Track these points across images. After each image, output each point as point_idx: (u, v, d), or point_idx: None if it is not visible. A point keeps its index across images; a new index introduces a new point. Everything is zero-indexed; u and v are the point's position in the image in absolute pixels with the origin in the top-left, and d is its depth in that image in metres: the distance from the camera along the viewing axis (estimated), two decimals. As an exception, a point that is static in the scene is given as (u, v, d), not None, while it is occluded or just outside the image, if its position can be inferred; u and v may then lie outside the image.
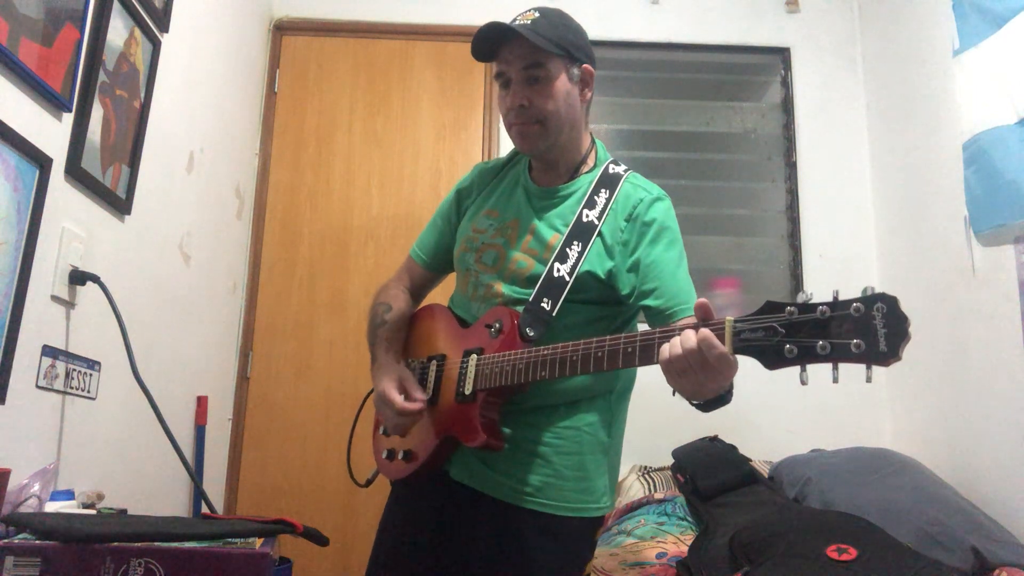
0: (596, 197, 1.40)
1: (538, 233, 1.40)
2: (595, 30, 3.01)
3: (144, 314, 1.91)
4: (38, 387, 1.47)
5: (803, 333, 0.94)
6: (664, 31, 3.03)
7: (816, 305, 0.93)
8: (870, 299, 0.90)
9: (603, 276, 1.35)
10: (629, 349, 1.13)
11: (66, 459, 1.56)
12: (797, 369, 0.98)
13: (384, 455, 1.47)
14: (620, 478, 2.54)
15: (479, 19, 3.10)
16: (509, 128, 1.43)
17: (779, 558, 1.58)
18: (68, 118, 1.56)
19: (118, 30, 1.74)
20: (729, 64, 3.13)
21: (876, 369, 0.93)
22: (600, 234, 1.37)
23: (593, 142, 1.51)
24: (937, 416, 2.42)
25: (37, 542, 1.06)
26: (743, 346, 1.01)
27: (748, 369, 3.09)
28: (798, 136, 2.96)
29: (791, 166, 2.95)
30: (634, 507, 2.28)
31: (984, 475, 2.15)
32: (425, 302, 1.62)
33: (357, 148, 2.92)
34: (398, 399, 1.37)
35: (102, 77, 1.66)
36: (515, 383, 1.27)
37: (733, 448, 2.33)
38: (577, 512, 1.34)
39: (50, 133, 1.49)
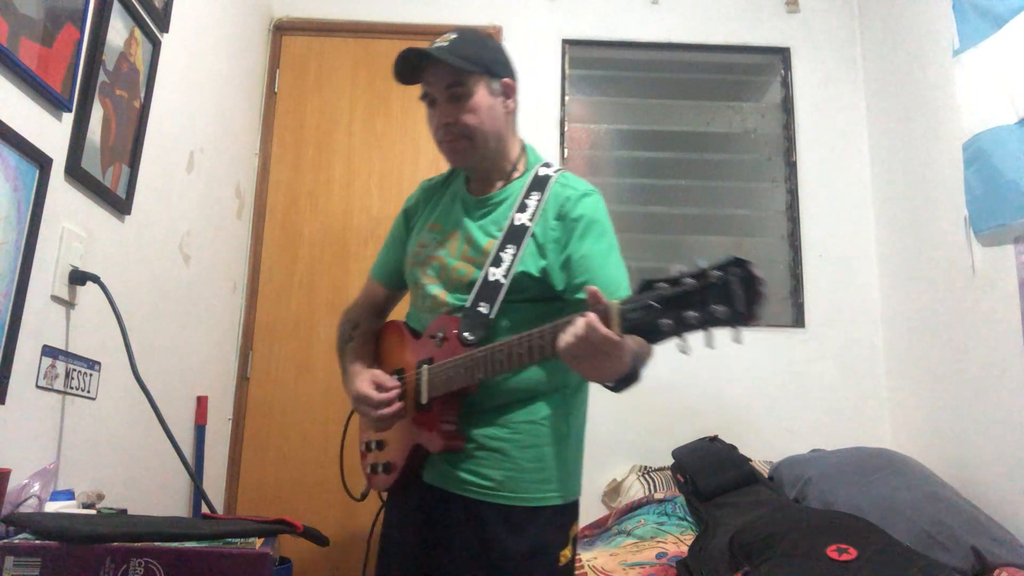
0: (528, 200, 1.47)
1: (474, 241, 1.47)
2: (595, 30, 3.05)
3: (144, 314, 1.91)
4: (38, 387, 1.47)
5: (676, 306, 0.99)
6: (664, 31, 3.03)
7: (682, 278, 0.99)
8: (726, 264, 0.96)
9: (537, 274, 1.41)
10: (542, 342, 1.20)
11: (66, 459, 1.56)
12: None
13: (369, 470, 1.57)
14: (620, 478, 2.56)
15: (479, 19, 3.13)
16: (439, 145, 1.51)
17: (779, 558, 1.58)
18: (68, 118, 1.56)
19: (118, 30, 1.74)
20: (729, 64, 3.13)
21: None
22: (533, 235, 1.43)
23: (523, 148, 1.58)
24: (937, 416, 2.42)
25: (37, 542, 1.06)
26: (629, 326, 1.07)
27: (749, 370, 3.10)
28: (798, 136, 2.96)
29: (791, 166, 2.95)
30: (634, 507, 2.28)
31: (984, 475, 2.15)
32: (390, 318, 1.70)
33: (357, 148, 2.92)
34: (373, 393, 1.45)
35: (102, 77, 1.66)
36: (461, 387, 1.35)
37: (733, 448, 2.33)
38: (540, 502, 1.39)
39: (50, 133, 1.49)
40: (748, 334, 2.91)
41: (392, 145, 2.92)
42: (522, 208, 1.46)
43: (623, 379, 1.23)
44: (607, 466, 2.63)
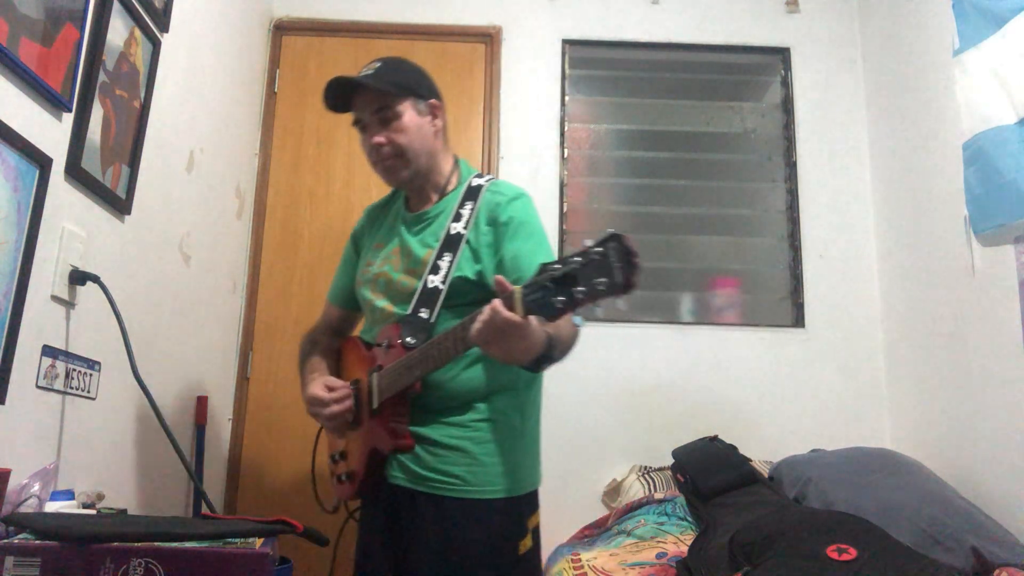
0: (462, 210, 1.57)
1: (413, 253, 1.58)
2: (595, 30, 3.05)
3: (144, 314, 1.91)
4: (38, 387, 1.47)
5: (566, 284, 1.08)
6: (664, 31, 3.03)
7: (571, 257, 1.09)
8: (604, 240, 1.05)
9: (474, 278, 1.50)
10: (463, 333, 1.29)
11: (66, 459, 1.56)
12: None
13: (335, 481, 1.65)
14: (620, 478, 2.56)
15: (479, 19, 3.13)
16: (374, 166, 1.63)
17: (779, 558, 1.58)
18: (68, 118, 1.56)
19: (118, 30, 1.74)
20: (729, 64, 3.13)
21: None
22: (467, 241, 1.53)
23: (456, 162, 1.70)
24: (937, 416, 2.42)
25: (37, 542, 1.06)
26: (530, 308, 1.15)
27: (749, 370, 3.09)
28: (798, 136, 2.96)
29: (791, 166, 2.95)
30: (634, 507, 2.28)
31: (984, 475, 2.15)
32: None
33: (357, 148, 2.87)
34: (324, 393, 1.56)
35: (102, 77, 1.66)
36: (403, 387, 1.44)
37: (733, 448, 2.33)
38: (497, 494, 1.47)
39: (50, 133, 1.49)
40: (748, 334, 2.90)
41: (392, 145, 2.92)
42: (457, 218, 1.56)
43: (539, 360, 1.30)
44: (607, 466, 2.63)
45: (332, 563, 1.80)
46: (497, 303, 1.18)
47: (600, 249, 1.05)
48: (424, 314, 1.49)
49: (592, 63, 3.10)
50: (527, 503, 1.52)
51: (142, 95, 1.88)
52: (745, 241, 2.98)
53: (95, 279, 1.60)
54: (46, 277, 1.49)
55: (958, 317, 2.31)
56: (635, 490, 2.42)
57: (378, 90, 1.56)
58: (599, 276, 1.04)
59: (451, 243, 1.53)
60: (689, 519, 2.14)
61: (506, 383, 1.52)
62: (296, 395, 2.69)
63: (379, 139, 1.58)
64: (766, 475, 2.28)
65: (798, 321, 2.82)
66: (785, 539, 1.64)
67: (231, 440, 2.66)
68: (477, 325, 1.21)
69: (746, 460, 2.26)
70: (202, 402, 2.33)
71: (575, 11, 3.05)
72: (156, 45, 1.93)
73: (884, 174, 2.83)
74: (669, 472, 2.39)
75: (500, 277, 1.22)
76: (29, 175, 1.42)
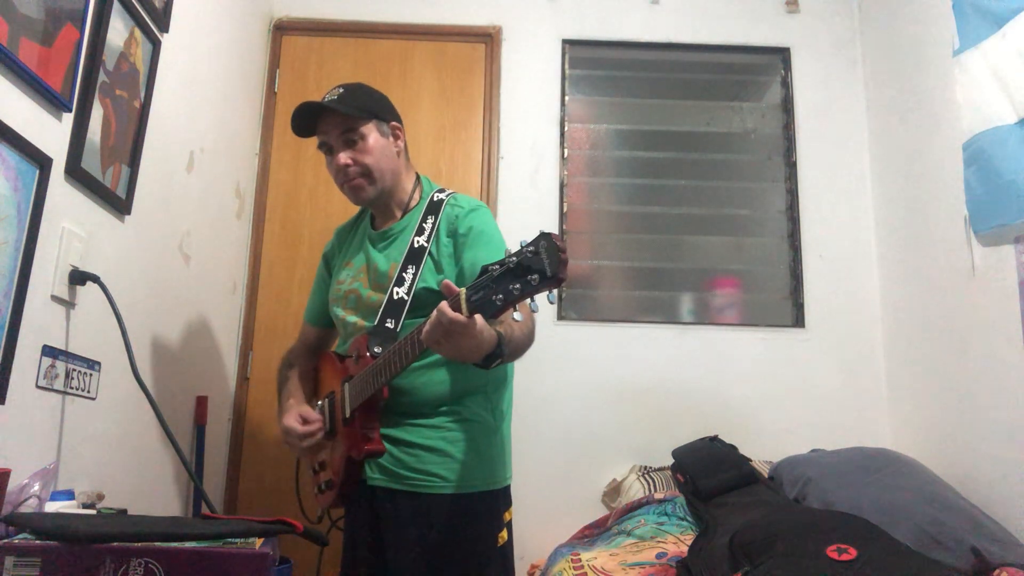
0: (424, 224, 1.65)
1: (379, 268, 1.65)
2: (595, 30, 3.05)
3: (144, 314, 1.91)
4: (38, 387, 1.47)
5: (504, 283, 1.16)
6: (664, 31, 3.03)
7: (508, 258, 1.16)
8: (535, 240, 1.13)
9: (437, 288, 1.55)
10: (419, 336, 1.33)
11: (66, 459, 1.56)
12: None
13: (316, 491, 1.71)
14: (620, 478, 2.56)
15: (479, 20, 3.12)
16: (341, 187, 1.70)
17: (779, 558, 1.58)
18: (68, 118, 1.56)
19: (118, 30, 1.74)
20: (729, 64, 3.13)
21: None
22: (430, 253, 1.61)
23: (418, 179, 1.77)
24: (937, 416, 2.42)
25: (37, 542, 1.06)
26: (474, 308, 1.20)
27: (749, 370, 3.09)
28: (798, 136, 2.96)
29: (791, 166, 2.95)
30: (634, 507, 2.28)
31: (984, 475, 2.15)
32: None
33: (357, 148, 2.91)
34: (297, 426, 1.63)
35: (102, 77, 1.66)
36: (371, 394, 1.50)
37: (733, 448, 2.33)
38: (482, 487, 1.55)
39: (50, 133, 1.49)
40: (748, 334, 2.89)
41: (392, 145, 2.92)
42: (419, 232, 1.64)
43: (488, 357, 1.34)
44: (607, 466, 2.63)
45: (317, 568, 1.86)
46: (444, 305, 1.24)
47: (532, 248, 1.13)
48: (390, 324, 1.56)
49: (592, 63, 3.10)
50: (503, 497, 1.61)
51: (142, 95, 1.88)
52: (745, 241, 2.98)
53: (95, 279, 1.60)
54: (46, 277, 1.49)
55: (958, 317, 2.31)
56: (635, 490, 2.42)
57: (345, 113, 1.63)
58: (532, 272, 1.12)
59: (414, 256, 1.61)
60: (689, 519, 2.13)
61: (475, 386, 1.60)
62: (296, 395, 2.72)
63: (346, 160, 1.65)
64: (766, 475, 2.28)
65: (798, 321, 2.82)
66: (785, 539, 1.64)
67: (231, 440, 2.66)
68: (426, 327, 1.27)
69: (746, 460, 2.26)
70: (202, 402, 2.33)
71: (575, 11, 3.05)
72: (156, 45, 1.93)
73: (884, 174, 2.83)
74: (669, 472, 2.39)
75: (447, 281, 1.29)
76: (29, 175, 1.42)
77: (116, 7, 1.71)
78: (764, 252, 2.96)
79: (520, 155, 2.91)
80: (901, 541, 1.67)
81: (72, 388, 1.58)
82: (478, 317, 1.22)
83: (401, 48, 2.99)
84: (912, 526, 1.82)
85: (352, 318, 1.66)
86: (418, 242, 1.63)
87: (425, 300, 1.55)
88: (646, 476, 2.48)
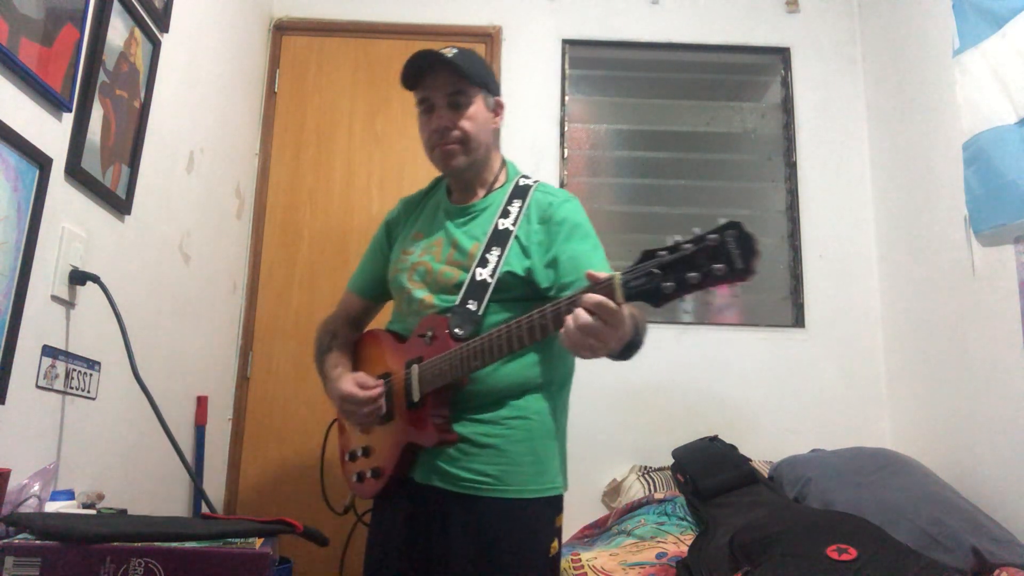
0: (510, 207, 1.57)
1: (460, 245, 1.55)
2: (595, 30, 3.05)
3: (144, 314, 1.91)
4: (38, 387, 1.47)
5: (676, 270, 1.07)
6: (664, 31, 3.03)
7: (682, 244, 1.07)
8: (722, 228, 1.04)
9: (522, 274, 1.49)
10: (543, 321, 1.25)
11: (66, 459, 1.56)
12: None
13: (355, 479, 1.60)
14: (620, 478, 2.56)
15: (479, 20, 3.12)
16: (432, 150, 1.59)
17: (779, 558, 1.58)
18: (68, 118, 1.56)
19: (118, 30, 1.74)
20: (729, 64, 3.13)
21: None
22: (516, 237, 1.52)
23: (504, 162, 1.69)
24: (937, 416, 2.42)
25: (37, 542, 1.05)
26: (632, 293, 1.12)
27: (749, 370, 3.08)
28: (798, 136, 2.96)
29: (791, 166, 2.95)
30: (634, 507, 2.28)
31: (984, 475, 2.15)
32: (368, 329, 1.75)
33: (357, 148, 2.92)
34: (359, 391, 1.51)
35: (102, 77, 1.66)
36: (454, 379, 1.40)
37: (733, 448, 2.33)
38: (536, 493, 1.44)
39: (50, 133, 1.49)
40: (748, 334, 2.88)
41: (392, 145, 2.92)
42: (505, 215, 1.55)
43: (628, 347, 1.28)
44: (607, 466, 2.63)
45: (340, 565, 1.77)
46: (596, 297, 1.14)
47: (716, 235, 1.03)
48: (472, 306, 1.46)
49: (592, 63, 3.10)
50: (556, 505, 1.50)
51: (142, 95, 1.88)
52: (745, 241, 2.97)
53: (95, 279, 1.60)
54: (46, 277, 1.49)
55: (958, 317, 2.31)
56: (635, 490, 2.42)
57: (462, 73, 1.53)
58: (717, 262, 1.02)
59: (499, 238, 1.52)
60: (689, 519, 2.14)
61: (541, 382, 1.50)
62: (296, 395, 2.72)
63: (447, 122, 1.55)
64: (766, 475, 2.28)
65: (798, 321, 2.82)
66: (785, 539, 1.64)
67: (231, 440, 2.66)
68: (576, 324, 1.15)
69: (746, 460, 2.27)
70: (202, 402, 2.33)
71: (575, 11, 3.05)
72: (156, 45, 1.93)
73: (884, 174, 2.83)
74: (669, 472, 2.39)
75: (591, 271, 1.18)
76: (29, 175, 1.42)
77: (116, 7, 1.71)
78: (764, 252, 2.93)
79: (520, 155, 2.89)
80: (901, 541, 1.67)
81: (72, 388, 1.58)
82: (625, 306, 1.14)
83: (401, 48, 2.98)
84: (912, 526, 1.82)
85: (420, 292, 1.55)
86: (503, 224, 1.54)
87: (509, 285, 1.48)
88: (646, 476, 2.48)
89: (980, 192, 2.14)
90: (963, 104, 2.22)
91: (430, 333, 1.47)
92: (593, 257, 1.50)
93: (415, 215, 1.72)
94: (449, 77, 1.54)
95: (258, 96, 2.88)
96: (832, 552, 1.56)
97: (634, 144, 3.05)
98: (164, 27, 1.98)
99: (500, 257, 1.49)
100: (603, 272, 1.17)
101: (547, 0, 3.05)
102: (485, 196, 1.62)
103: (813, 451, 2.40)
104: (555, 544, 1.47)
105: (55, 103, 1.50)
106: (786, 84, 3.03)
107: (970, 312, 2.25)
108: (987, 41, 2.10)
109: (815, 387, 2.74)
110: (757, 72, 3.14)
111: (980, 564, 1.76)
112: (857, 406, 2.72)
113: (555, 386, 1.53)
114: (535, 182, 1.63)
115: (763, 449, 2.48)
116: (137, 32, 1.82)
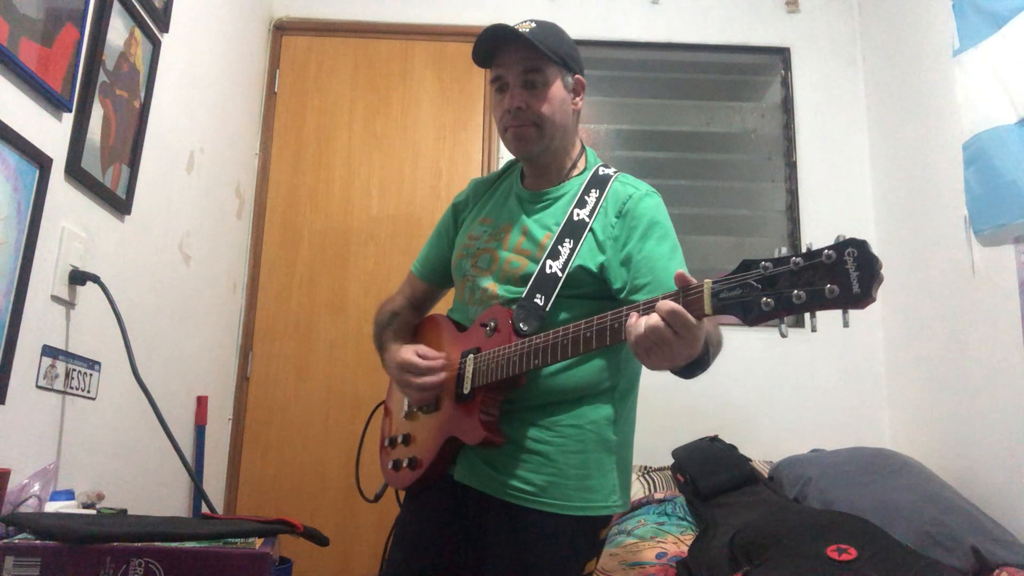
0: (587, 197, 1.44)
1: (530, 234, 1.44)
2: (595, 30, 3.05)
3: (144, 314, 1.91)
4: (38, 387, 1.47)
5: (779, 285, 0.94)
6: (664, 31, 3.03)
7: (789, 257, 0.95)
8: (841, 245, 0.91)
9: (595, 270, 1.37)
10: (615, 325, 1.15)
11: (66, 459, 1.56)
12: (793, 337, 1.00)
13: (391, 466, 1.50)
14: (620, 478, 2.55)
15: (479, 20, 3.12)
16: (504, 131, 1.47)
17: (779, 558, 1.58)
18: (68, 118, 1.56)
19: (118, 30, 1.74)
20: (729, 64, 3.13)
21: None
22: (591, 230, 1.40)
23: (583, 148, 1.56)
24: (937, 416, 2.42)
25: (37, 542, 1.06)
26: (722, 305, 1.00)
27: (749, 370, 3.08)
28: (798, 136, 2.96)
29: (791, 166, 2.95)
30: (634, 507, 2.28)
31: (984, 475, 2.15)
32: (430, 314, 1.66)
33: (357, 148, 2.92)
34: (418, 359, 1.40)
35: (102, 77, 1.66)
36: (510, 375, 1.29)
37: (733, 448, 2.32)
38: (581, 511, 1.33)
39: (50, 133, 1.49)
40: (748, 334, 2.88)
41: (392, 145, 2.92)
42: (581, 204, 1.43)
43: (693, 364, 1.14)
44: (607, 466, 2.62)
45: (384, 554, 1.62)
46: (673, 304, 1.03)
47: (832, 252, 0.91)
48: (539, 300, 1.35)
49: (592, 63, 3.09)
50: (604, 523, 1.40)
51: (142, 95, 1.88)
52: (745, 241, 2.98)
53: (95, 279, 1.60)
54: (46, 277, 1.49)
55: (958, 317, 2.31)
56: (635, 490, 2.42)
57: (536, 49, 1.41)
58: (829, 282, 0.91)
59: (573, 229, 1.40)
60: (689, 519, 2.13)
61: (604, 388, 1.39)
62: (296, 395, 2.73)
63: (520, 102, 1.42)
64: (766, 475, 2.28)
65: (798, 321, 2.81)
66: (785, 539, 1.64)
67: (231, 440, 2.66)
68: (644, 328, 1.05)
69: (746, 460, 2.26)
70: (202, 402, 2.33)
71: (575, 11, 3.05)
72: (156, 45, 1.93)
73: (884, 174, 2.83)
74: (669, 472, 2.39)
75: (681, 271, 1.07)
76: (29, 175, 1.42)
77: (116, 7, 1.71)
78: (764, 252, 2.95)
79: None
80: (901, 541, 1.67)
81: (72, 388, 1.58)
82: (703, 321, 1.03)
83: (401, 48, 2.99)
84: (912, 526, 1.82)
85: (484, 281, 1.44)
86: (578, 215, 1.41)
87: (580, 280, 1.37)
88: (646, 476, 2.48)
89: (980, 192, 2.14)
90: (963, 104, 2.22)
91: (493, 324, 1.37)
92: (671, 260, 1.38)
93: (485, 198, 1.60)
94: (524, 53, 1.42)
95: (258, 96, 2.88)
96: (832, 552, 1.56)
97: (634, 144, 3.05)
98: (164, 27, 1.98)
99: (573, 250, 1.38)
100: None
101: (547, 0, 3.05)
102: (561, 183, 1.49)
103: (813, 451, 2.40)
104: (592, 563, 1.39)
105: (55, 103, 1.50)
106: (786, 84, 3.03)
107: (970, 312, 2.24)
108: (987, 41, 2.10)
109: (815, 387, 2.74)
110: (757, 72, 3.14)
111: (980, 564, 1.76)
112: (857, 406, 2.72)
113: (619, 391, 1.42)
114: (615, 172, 1.50)
115: (763, 449, 2.48)
116: (137, 32, 1.82)
